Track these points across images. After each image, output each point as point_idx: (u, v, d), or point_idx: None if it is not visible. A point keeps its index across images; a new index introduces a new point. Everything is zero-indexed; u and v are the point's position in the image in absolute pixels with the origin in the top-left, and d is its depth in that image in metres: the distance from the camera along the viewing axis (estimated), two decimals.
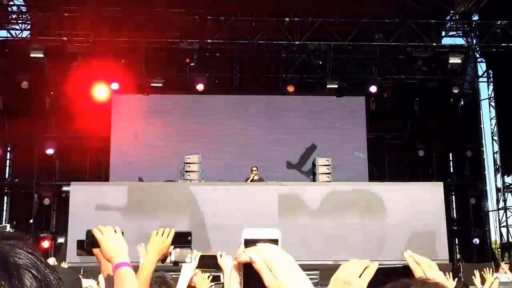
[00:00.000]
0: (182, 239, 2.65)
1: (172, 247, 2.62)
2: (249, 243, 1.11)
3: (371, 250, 14.13)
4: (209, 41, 16.81)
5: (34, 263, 0.91)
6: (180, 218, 13.87)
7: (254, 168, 15.17)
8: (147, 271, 2.52)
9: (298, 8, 17.03)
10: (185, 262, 2.71)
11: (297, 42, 16.86)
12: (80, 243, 2.52)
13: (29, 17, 18.04)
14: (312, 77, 18.77)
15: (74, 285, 2.90)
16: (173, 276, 3.32)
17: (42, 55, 16.66)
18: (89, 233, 2.43)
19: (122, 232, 2.44)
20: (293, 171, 18.19)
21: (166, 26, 16.77)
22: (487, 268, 6.87)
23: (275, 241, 1.11)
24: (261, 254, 1.03)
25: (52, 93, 18.46)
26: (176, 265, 2.74)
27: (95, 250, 2.46)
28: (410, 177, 18.46)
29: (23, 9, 18.32)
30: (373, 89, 18.34)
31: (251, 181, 15.11)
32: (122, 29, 16.77)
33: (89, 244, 2.43)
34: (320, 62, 16.95)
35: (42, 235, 17.97)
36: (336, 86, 18.25)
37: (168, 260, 2.66)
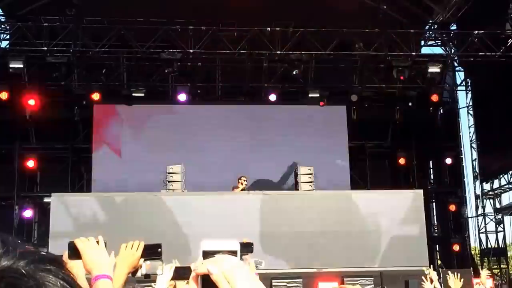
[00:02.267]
0: (152, 251, 2.60)
1: (142, 259, 2.58)
2: (207, 254, 1.08)
3: (353, 257, 14.24)
4: (191, 51, 16.85)
5: None
6: (162, 228, 13.84)
7: (244, 178, 15.16)
8: (116, 285, 2.47)
9: (279, 18, 17.17)
10: (156, 274, 2.66)
11: (279, 52, 16.97)
12: None
13: (8, 27, 17.91)
14: (294, 86, 18.89)
15: None
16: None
17: (21, 66, 16.52)
18: (71, 245, 2.40)
19: (105, 243, 2.41)
20: (275, 179, 18.26)
21: (148, 36, 16.77)
22: (456, 274, 6.97)
23: (234, 253, 1.09)
24: (219, 266, 1.02)
25: (32, 103, 18.31)
26: (148, 278, 2.68)
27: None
28: (391, 184, 18.65)
29: (2, 19, 18.21)
30: (354, 98, 18.51)
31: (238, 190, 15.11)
32: (102, 39, 16.74)
33: (71, 255, 2.39)
34: (296, 72, 17.04)
35: None
36: (318, 95, 18.39)
37: (139, 273, 2.61)
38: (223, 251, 1.07)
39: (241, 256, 1.13)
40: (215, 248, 1.08)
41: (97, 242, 2.40)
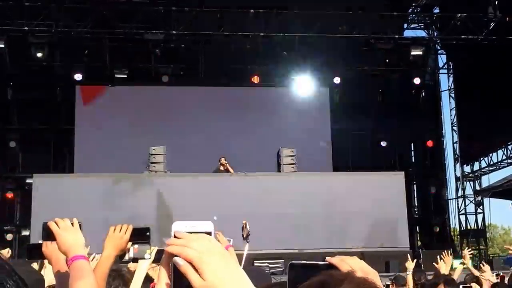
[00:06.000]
0: (140, 235, 2.57)
1: (130, 243, 2.55)
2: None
3: (335, 238, 14.43)
4: (174, 32, 16.74)
5: None
6: (144, 209, 13.89)
7: (223, 158, 15.26)
8: (103, 267, 2.46)
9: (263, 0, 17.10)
10: (144, 258, 2.65)
11: (262, 34, 16.93)
12: (29, 249, 2.50)
13: None
14: (277, 68, 18.88)
15: (37, 286, 2.82)
16: (131, 268, 3.27)
17: (3, 46, 16.33)
18: (45, 226, 2.33)
19: (80, 224, 2.36)
20: (258, 161, 18.31)
21: (131, 17, 16.63)
22: (445, 251, 7.02)
23: (208, 234, 1.03)
24: (188, 252, 0.97)
25: (13, 84, 18.13)
26: (136, 262, 2.67)
27: (46, 250, 2.43)
28: (373, 167, 18.81)
29: None
30: (337, 80, 18.57)
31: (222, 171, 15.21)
32: (85, 19, 16.57)
33: (45, 237, 2.34)
34: (285, 54, 17.06)
35: (6, 228, 17.72)
36: (301, 77, 18.43)
37: (126, 257, 2.60)
38: (196, 232, 1.01)
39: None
40: (187, 229, 1.02)
41: (72, 224, 2.35)
